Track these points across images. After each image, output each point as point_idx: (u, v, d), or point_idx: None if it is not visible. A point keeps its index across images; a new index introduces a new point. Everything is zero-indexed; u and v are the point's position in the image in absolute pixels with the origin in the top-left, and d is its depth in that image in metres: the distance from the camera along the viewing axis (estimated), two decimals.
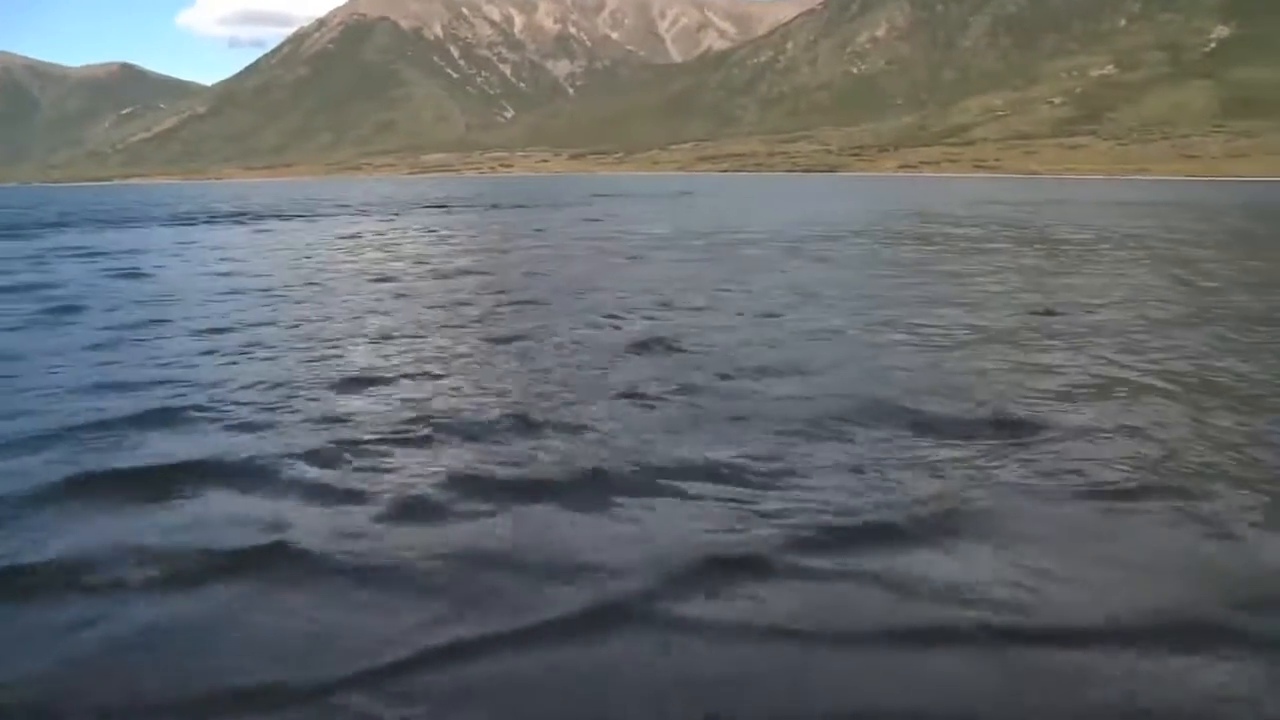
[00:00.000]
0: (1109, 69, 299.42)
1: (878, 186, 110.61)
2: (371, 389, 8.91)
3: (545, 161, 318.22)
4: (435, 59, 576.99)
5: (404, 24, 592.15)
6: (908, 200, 64.86)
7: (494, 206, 56.48)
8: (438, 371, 9.84)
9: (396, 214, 48.81)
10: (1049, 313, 13.65)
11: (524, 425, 7.64)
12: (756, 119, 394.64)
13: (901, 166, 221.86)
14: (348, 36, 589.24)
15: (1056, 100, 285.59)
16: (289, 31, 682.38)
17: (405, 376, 9.49)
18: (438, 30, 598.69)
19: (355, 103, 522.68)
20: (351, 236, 32.45)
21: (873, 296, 15.79)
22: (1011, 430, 7.52)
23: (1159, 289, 16.80)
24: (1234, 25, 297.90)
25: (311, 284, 17.54)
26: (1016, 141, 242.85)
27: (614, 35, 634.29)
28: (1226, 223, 40.34)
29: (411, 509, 5.76)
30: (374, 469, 6.51)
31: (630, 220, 40.70)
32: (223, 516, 5.68)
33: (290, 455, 6.75)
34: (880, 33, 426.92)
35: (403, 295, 16.01)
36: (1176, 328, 12.55)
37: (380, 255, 24.50)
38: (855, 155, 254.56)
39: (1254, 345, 11.34)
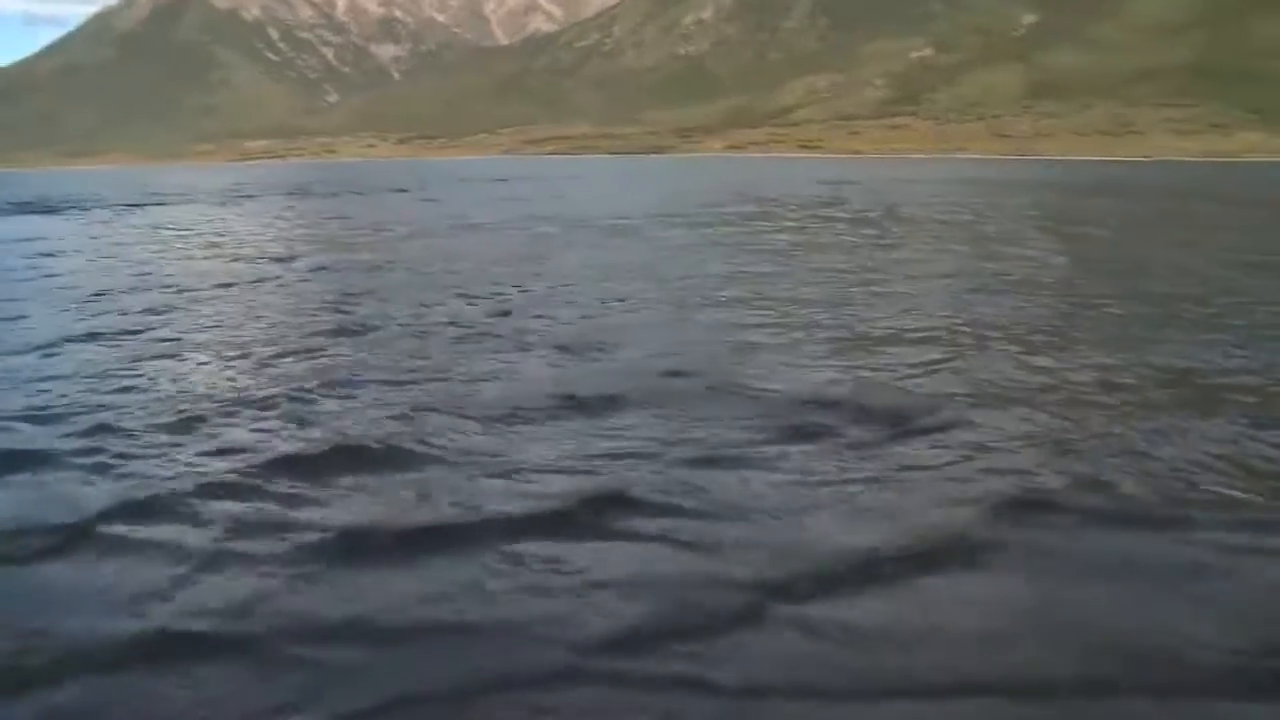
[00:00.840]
0: (927, 51, 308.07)
1: (718, 167, 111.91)
2: (232, 421, 7.84)
3: (372, 147, 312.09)
4: (254, 42, 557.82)
5: (219, 4, 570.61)
6: (759, 181, 65.90)
7: (333, 195, 55.06)
8: (300, 394, 8.76)
9: (225, 203, 47.76)
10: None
11: (412, 458, 6.84)
12: (584, 102, 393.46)
13: (729, 147, 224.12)
14: (158, 16, 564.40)
15: (878, 82, 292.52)
16: (92, 9, 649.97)
17: (268, 402, 8.43)
18: (255, 11, 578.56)
19: (171, 86, 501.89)
20: (188, 227, 31.52)
21: (792, 288, 15.27)
22: (955, 439, 7.08)
23: (1077, 271, 17.34)
24: (1040, 13, 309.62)
25: (150, 281, 16.44)
26: (840, 122, 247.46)
27: (439, 18, 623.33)
28: (1086, 202, 42.82)
29: (288, 572, 5.19)
30: (242, 522, 5.71)
31: (482, 205, 39.45)
32: (70, 594, 4.91)
33: (144, 511, 5.85)
34: (706, 15, 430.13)
35: (258, 297, 14.92)
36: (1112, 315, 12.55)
37: (227, 248, 23.94)
38: (683, 137, 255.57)
39: (1191, 337, 10.97)
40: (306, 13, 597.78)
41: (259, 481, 6.35)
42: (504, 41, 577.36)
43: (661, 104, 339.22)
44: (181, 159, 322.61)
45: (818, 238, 24.34)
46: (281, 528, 5.61)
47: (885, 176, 72.51)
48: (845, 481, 6.26)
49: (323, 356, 10.56)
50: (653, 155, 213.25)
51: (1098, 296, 13.97)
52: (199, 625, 4.49)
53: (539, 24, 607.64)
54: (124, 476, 6.44)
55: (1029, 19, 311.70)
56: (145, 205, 45.32)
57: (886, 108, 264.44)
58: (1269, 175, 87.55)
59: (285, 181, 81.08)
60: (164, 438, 7.28)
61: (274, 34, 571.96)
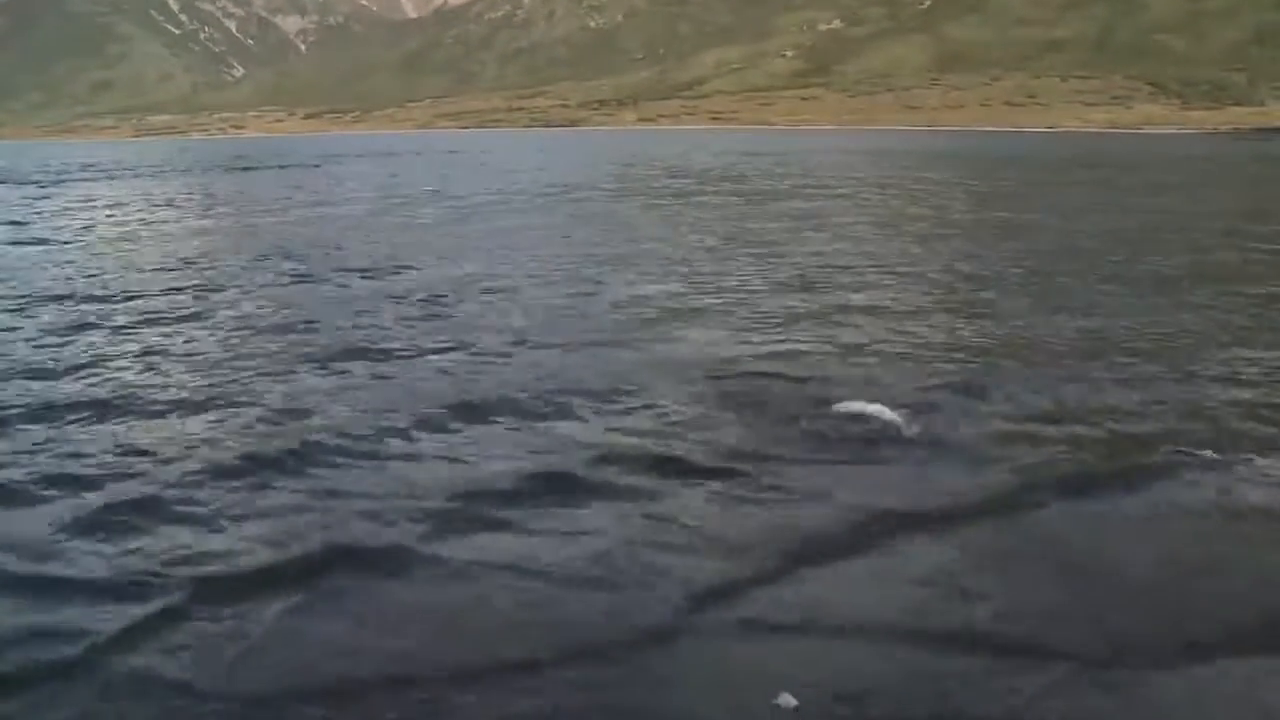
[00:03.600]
0: (836, 24, 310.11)
1: (642, 139, 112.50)
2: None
3: (280, 121, 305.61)
4: (153, 13, 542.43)
5: None
6: (695, 149, 66.88)
7: (251, 169, 54.26)
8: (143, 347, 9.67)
9: (140, 177, 46.50)
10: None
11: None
12: (495, 74, 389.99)
13: (641, 120, 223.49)
14: None
15: (789, 54, 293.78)
16: None
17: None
18: None
19: (66, 59, 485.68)
20: (120, 204, 30.03)
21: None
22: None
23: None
24: None
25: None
26: (751, 94, 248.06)
27: None
28: (1021, 174, 43.58)
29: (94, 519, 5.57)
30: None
31: (434, 181, 38.94)
32: None
33: None
34: None
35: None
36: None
37: (165, 231, 22.77)
38: (596, 110, 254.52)
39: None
40: None
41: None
42: (413, 14, 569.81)
43: (573, 76, 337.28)
44: (78, 134, 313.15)
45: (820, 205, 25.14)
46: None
47: (810, 147, 73.44)
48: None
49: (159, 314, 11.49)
50: (568, 127, 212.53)
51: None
52: None
53: None
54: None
55: None
56: (61, 182, 44.38)
57: (797, 79, 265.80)
58: (1145, 144, 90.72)
59: (204, 157, 79.86)
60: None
61: (174, 6, 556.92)
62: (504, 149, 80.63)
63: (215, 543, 5.20)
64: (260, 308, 11.78)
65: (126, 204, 29.20)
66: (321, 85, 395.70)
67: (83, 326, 10.93)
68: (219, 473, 6.20)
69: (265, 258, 16.34)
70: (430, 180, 36.75)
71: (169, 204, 29.38)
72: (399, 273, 14.45)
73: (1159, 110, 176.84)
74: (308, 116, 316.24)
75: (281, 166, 53.67)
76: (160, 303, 12.11)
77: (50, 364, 9.29)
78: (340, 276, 14.22)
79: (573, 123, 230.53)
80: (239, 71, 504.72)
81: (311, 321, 10.87)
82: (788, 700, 3.90)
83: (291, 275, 14.31)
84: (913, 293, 11.93)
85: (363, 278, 14.13)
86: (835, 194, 28.33)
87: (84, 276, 14.61)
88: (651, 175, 37.77)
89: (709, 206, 23.67)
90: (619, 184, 32.74)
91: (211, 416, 7.49)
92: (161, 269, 15.42)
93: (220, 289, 13.21)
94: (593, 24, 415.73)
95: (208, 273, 14.91)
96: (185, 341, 10.08)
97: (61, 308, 11.95)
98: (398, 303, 11.92)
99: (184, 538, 5.28)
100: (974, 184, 33.20)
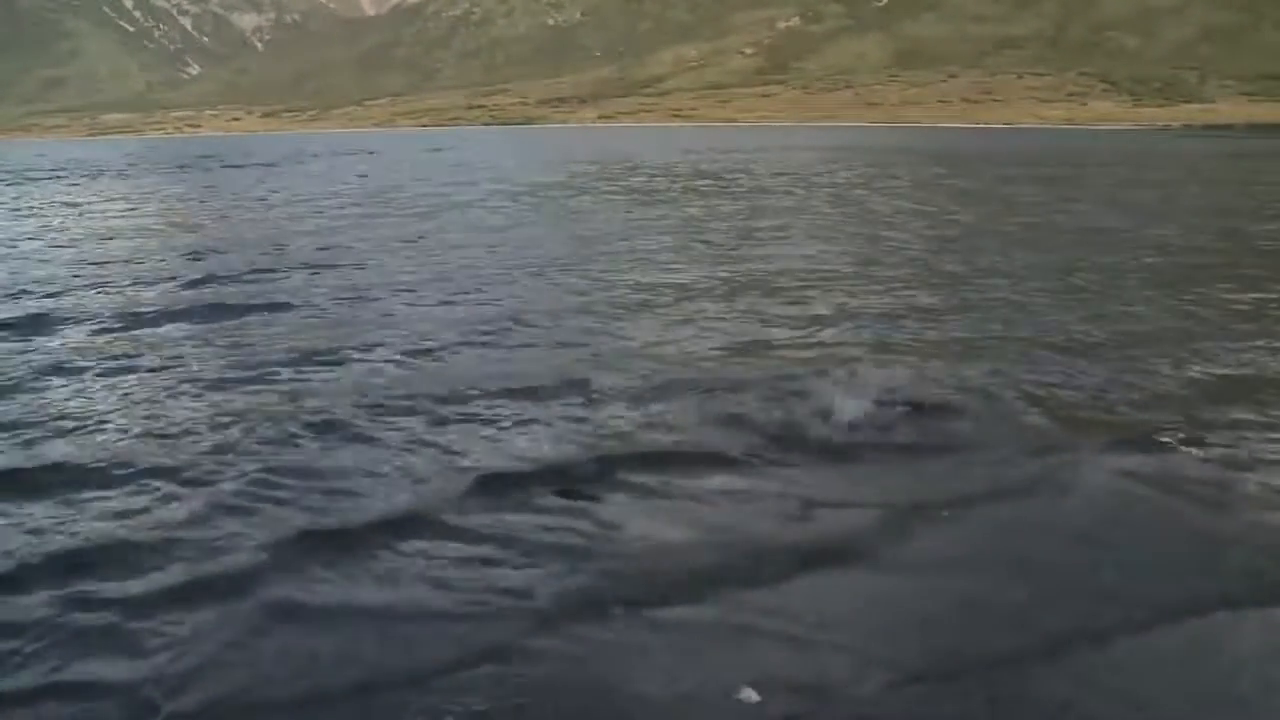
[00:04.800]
0: (795, 21, 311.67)
1: (614, 136, 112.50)
2: None
3: (237, 120, 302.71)
4: (106, 9, 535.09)
5: None
6: (672, 147, 67.21)
7: (230, 166, 54.02)
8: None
9: (106, 176, 45.96)
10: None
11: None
12: (454, 72, 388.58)
13: (600, 117, 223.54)
14: None
15: (748, 51, 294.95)
16: None
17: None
18: None
19: (15, 56, 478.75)
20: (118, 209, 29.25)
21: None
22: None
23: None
24: None
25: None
26: (710, 91, 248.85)
27: None
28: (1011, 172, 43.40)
29: None
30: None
31: (428, 180, 38.64)
32: None
33: None
34: None
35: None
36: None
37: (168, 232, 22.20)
38: (555, 108, 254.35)
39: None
40: None
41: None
42: (371, 12, 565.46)
43: (532, 74, 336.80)
44: (30, 133, 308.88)
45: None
46: None
47: (782, 144, 73.86)
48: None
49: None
50: (526, 125, 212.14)
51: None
52: None
53: None
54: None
55: None
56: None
57: (756, 76, 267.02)
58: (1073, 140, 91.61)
59: (169, 155, 79.15)
60: None
61: (128, 3, 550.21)
62: (482, 147, 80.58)
63: (216, 659, 4.50)
64: (279, 330, 10.90)
65: (124, 208, 29.00)
66: (278, 83, 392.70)
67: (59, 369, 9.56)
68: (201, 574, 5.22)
69: (285, 270, 15.50)
70: (423, 179, 36.70)
71: (156, 205, 29.27)
72: (429, 294, 12.97)
73: (1112, 107, 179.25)
74: (265, 115, 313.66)
75: (260, 165, 53.44)
76: (163, 330, 11.26)
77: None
78: (375, 294, 12.97)
79: (531, 120, 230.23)
80: (195, 69, 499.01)
81: (331, 348, 9.94)
82: (750, 695, 3.91)
83: (324, 291, 13.22)
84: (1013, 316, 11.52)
85: (406, 300, 12.62)
86: (841, 193, 28.47)
87: (67, 296, 13.72)
88: (649, 173, 37.95)
89: (730, 214, 23.06)
90: (619, 183, 32.91)
91: (180, 494, 6.30)
92: (159, 279, 15.00)
93: (219, 314, 11.96)
94: (551, 22, 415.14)
95: (217, 289, 13.81)
96: (167, 382, 8.94)
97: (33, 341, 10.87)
98: (442, 335, 10.49)
99: (183, 646, 4.58)
100: (968, 182, 33.49)
